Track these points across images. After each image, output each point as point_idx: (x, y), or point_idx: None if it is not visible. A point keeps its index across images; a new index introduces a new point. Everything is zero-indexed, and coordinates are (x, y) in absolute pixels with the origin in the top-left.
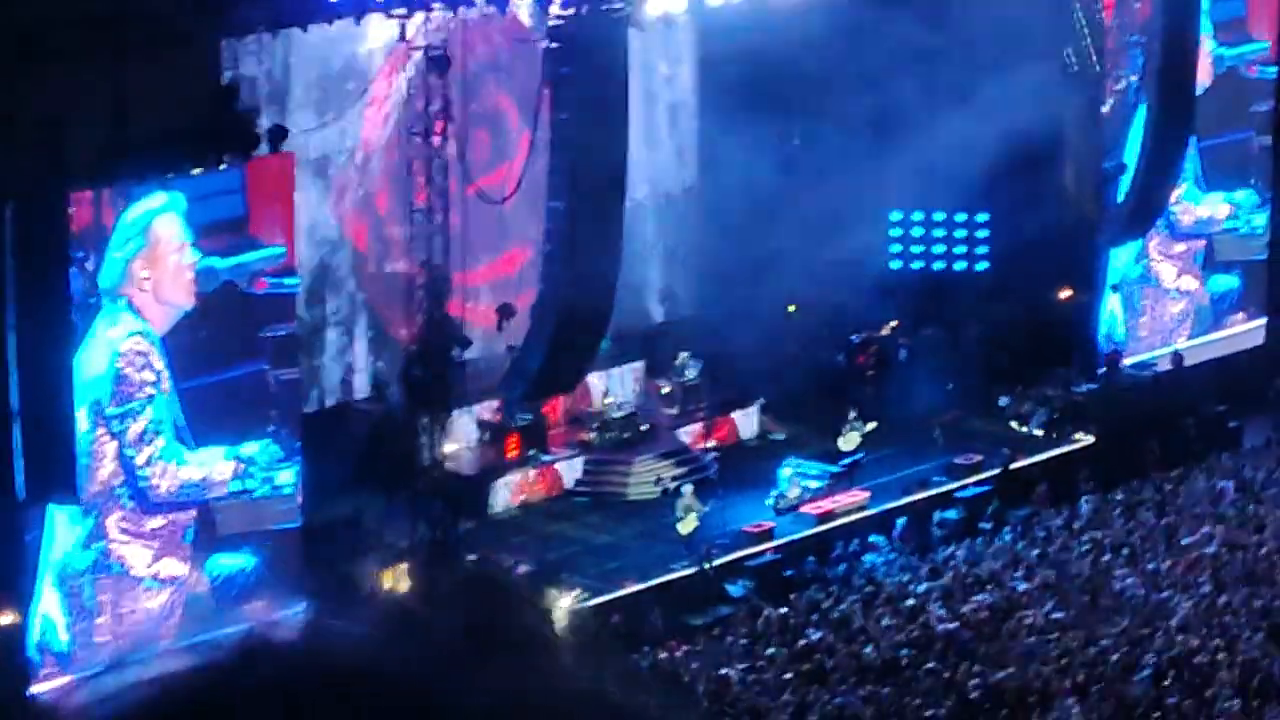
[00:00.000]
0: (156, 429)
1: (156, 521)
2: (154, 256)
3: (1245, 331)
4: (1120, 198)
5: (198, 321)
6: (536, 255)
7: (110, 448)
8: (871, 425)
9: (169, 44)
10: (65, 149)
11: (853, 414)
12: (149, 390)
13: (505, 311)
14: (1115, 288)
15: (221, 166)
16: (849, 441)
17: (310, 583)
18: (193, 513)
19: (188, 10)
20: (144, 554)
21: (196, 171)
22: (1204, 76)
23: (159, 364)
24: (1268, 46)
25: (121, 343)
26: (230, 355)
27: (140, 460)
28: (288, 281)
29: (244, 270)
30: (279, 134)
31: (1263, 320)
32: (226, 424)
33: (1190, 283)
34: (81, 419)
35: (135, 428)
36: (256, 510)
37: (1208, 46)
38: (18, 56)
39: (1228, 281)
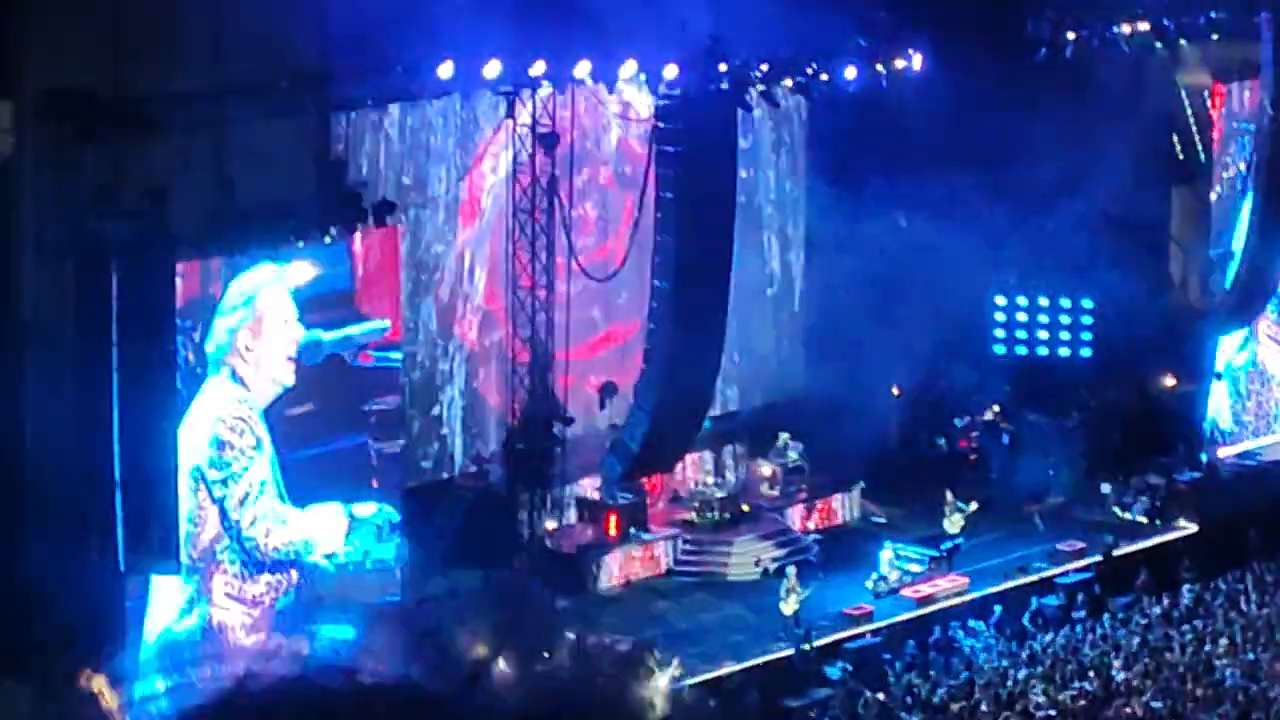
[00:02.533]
0: (260, 489)
1: (258, 588)
2: (259, 329)
3: None
4: (1227, 285)
5: (302, 394)
6: (640, 333)
7: (212, 512)
8: (974, 505)
9: (278, 117)
10: (173, 219)
11: (950, 496)
12: (251, 454)
13: (608, 389)
14: (1220, 376)
15: (327, 239)
16: (954, 524)
17: (409, 655)
18: (293, 580)
19: (296, 85)
20: (244, 620)
21: (302, 244)
22: None
23: (260, 431)
24: None
25: (225, 408)
26: (333, 427)
27: (245, 521)
28: (392, 355)
29: (349, 343)
30: (385, 208)
31: None
32: (329, 495)
33: None
34: (184, 484)
35: (238, 490)
36: (357, 582)
37: None
38: (128, 128)
39: None
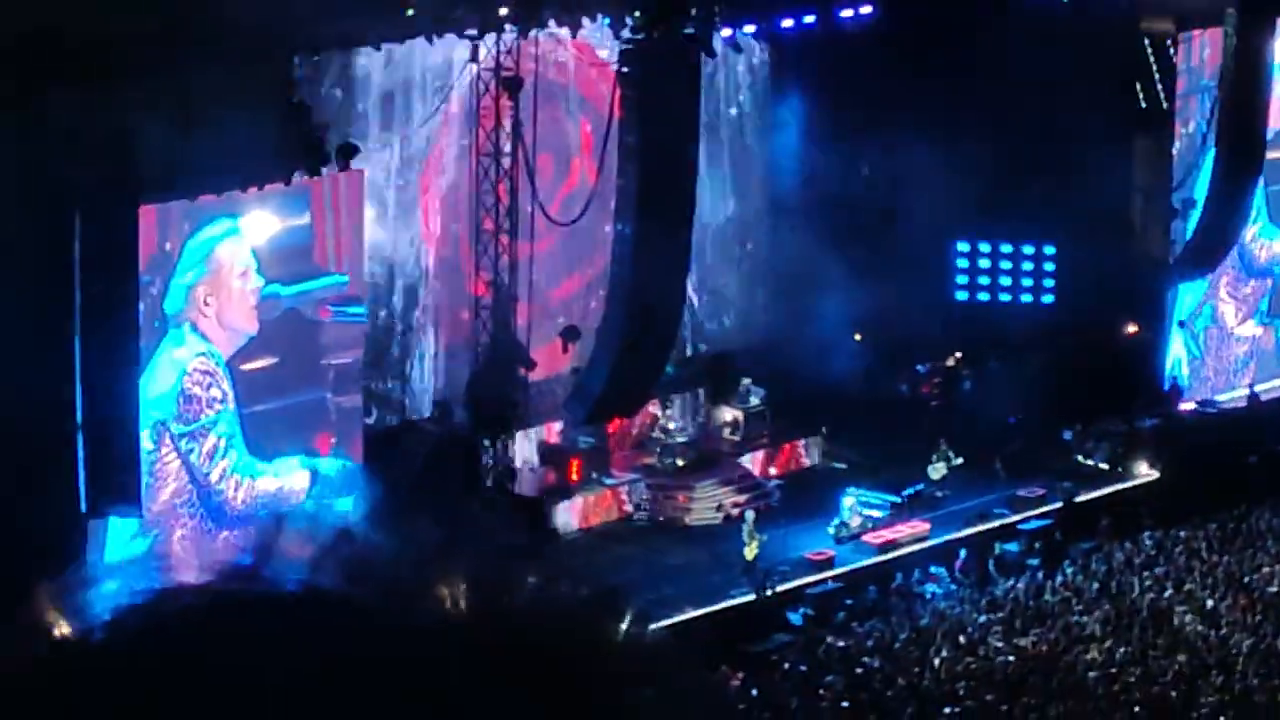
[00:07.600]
0: (229, 443)
1: (216, 544)
2: (217, 283)
3: None
4: (1189, 235)
5: (261, 348)
6: (602, 278)
7: (174, 467)
8: (959, 460)
9: (241, 59)
10: (134, 161)
11: (943, 444)
12: (218, 407)
13: (570, 334)
14: (1182, 324)
15: (291, 182)
16: (937, 471)
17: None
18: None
19: (260, 26)
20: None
21: (265, 188)
22: (1275, 120)
23: (225, 384)
24: None
25: (189, 362)
26: (293, 382)
27: (215, 475)
28: (351, 310)
29: (308, 298)
30: (348, 151)
31: None
32: (289, 449)
33: (1252, 328)
34: (145, 439)
35: (206, 444)
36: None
37: (1279, 90)
38: (89, 69)
39: None
